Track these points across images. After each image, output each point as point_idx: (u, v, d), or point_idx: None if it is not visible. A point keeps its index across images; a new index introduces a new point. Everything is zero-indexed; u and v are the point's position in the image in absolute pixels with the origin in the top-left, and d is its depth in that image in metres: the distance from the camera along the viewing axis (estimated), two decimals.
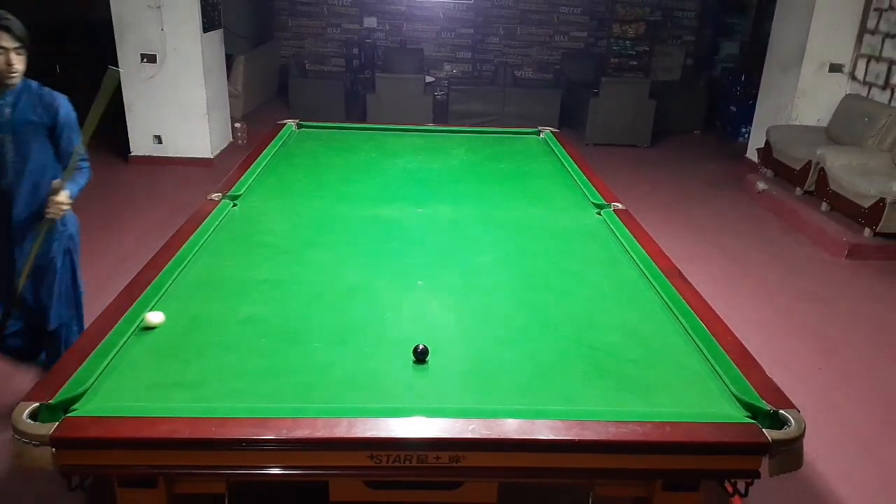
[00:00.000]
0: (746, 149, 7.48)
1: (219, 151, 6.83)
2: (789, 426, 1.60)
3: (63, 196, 2.49)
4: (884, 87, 5.97)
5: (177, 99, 6.38)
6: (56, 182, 2.49)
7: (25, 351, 2.85)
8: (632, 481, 1.74)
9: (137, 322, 1.96)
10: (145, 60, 6.23)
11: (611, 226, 2.85)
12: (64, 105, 2.60)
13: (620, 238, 2.71)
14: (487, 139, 4.38)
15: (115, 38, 6.17)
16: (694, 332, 2.02)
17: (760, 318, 4.05)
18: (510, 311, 2.18)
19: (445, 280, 2.38)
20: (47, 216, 2.50)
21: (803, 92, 6.47)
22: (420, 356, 1.84)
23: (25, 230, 2.61)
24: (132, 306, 2.02)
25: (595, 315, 2.18)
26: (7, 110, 2.50)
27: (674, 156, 7.79)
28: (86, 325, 1.93)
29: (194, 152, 6.60)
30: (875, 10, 6.11)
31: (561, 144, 4.05)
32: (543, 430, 1.56)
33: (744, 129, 8.03)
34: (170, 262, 2.31)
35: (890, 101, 5.87)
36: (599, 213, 3.01)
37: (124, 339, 1.88)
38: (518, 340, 2.00)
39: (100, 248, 4.62)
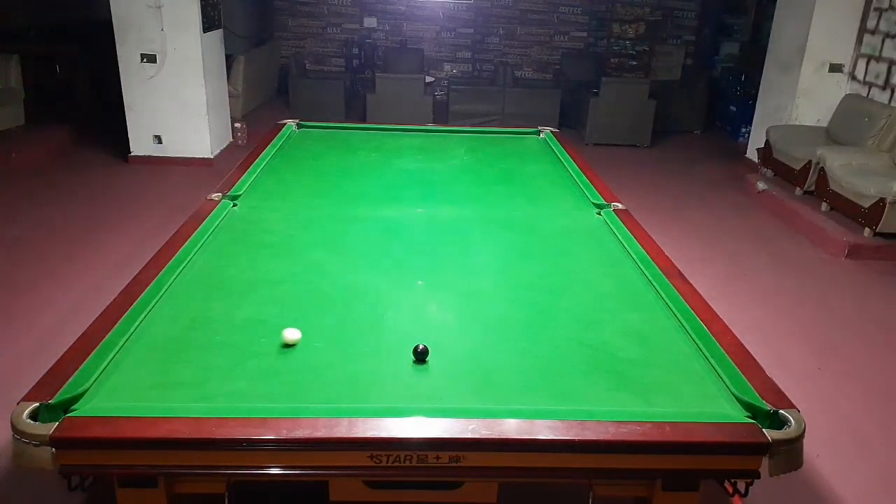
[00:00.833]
0: (746, 149, 7.48)
1: (219, 151, 6.83)
2: (789, 426, 1.60)
3: None
4: (884, 87, 5.97)
5: (177, 99, 6.38)
6: None
7: None
8: (631, 481, 1.74)
9: (138, 322, 1.96)
10: (145, 60, 6.23)
11: (611, 226, 2.85)
12: None
13: (620, 238, 2.71)
14: (487, 139, 4.38)
15: (115, 38, 6.17)
16: (694, 332, 2.02)
17: (760, 318, 4.05)
18: (510, 311, 2.18)
19: (445, 280, 2.38)
20: None
21: (803, 92, 6.47)
22: (420, 356, 1.84)
23: None
24: (132, 306, 2.02)
25: (595, 315, 2.18)
26: None
27: (674, 156, 7.79)
28: (85, 327, 1.93)
29: (194, 152, 6.60)
30: (875, 10, 6.11)
31: (561, 144, 4.05)
32: (543, 430, 1.56)
33: (744, 129, 8.03)
34: (170, 262, 2.31)
35: (890, 101, 5.87)
36: (599, 213, 3.01)
37: (124, 338, 1.88)
38: (518, 340, 2.00)
39: (100, 247, 4.62)
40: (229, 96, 7.27)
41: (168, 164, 6.53)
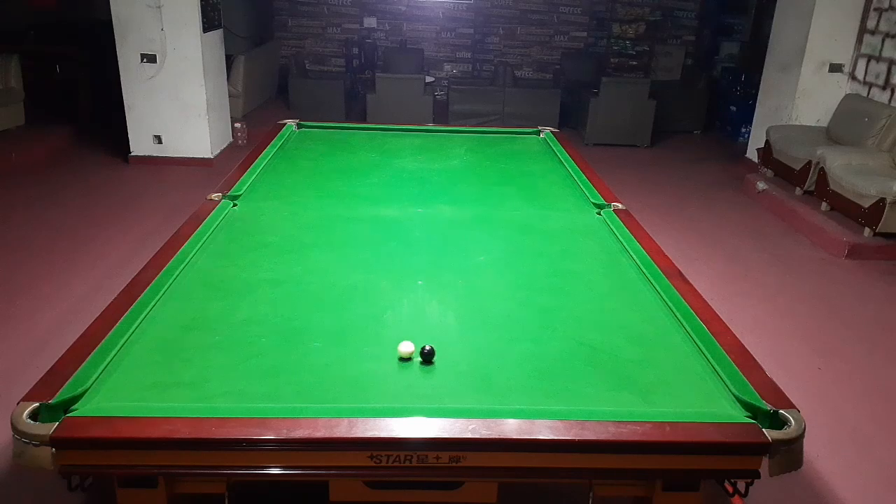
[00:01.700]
0: (746, 149, 7.47)
1: (219, 151, 6.83)
2: (789, 426, 1.59)
3: None
4: (884, 87, 5.97)
5: (177, 99, 6.39)
6: None
7: None
8: (632, 481, 1.74)
9: (138, 322, 1.96)
10: (145, 60, 6.23)
11: (611, 226, 2.86)
12: None
13: (620, 238, 2.71)
14: (487, 139, 4.38)
15: (115, 38, 6.17)
16: (694, 332, 2.02)
17: (760, 318, 4.05)
18: (510, 311, 2.18)
19: (445, 280, 2.38)
20: None
21: (803, 92, 6.47)
22: (427, 357, 1.84)
23: None
24: (132, 306, 2.02)
25: (595, 315, 2.17)
26: None
27: (674, 156, 7.79)
28: (85, 327, 1.94)
29: (194, 152, 6.60)
30: (875, 10, 6.11)
31: (561, 144, 4.05)
32: (543, 430, 1.56)
33: (744, 129, 8.03)
34: (170, 262, 2.31)
35: (890, 101, 5.87)
36: (599, 213, 3.01)
37: (124, 339, 1.88)
38: (518, 340, 2.00)
39: (100, 247, 4.62)
40: (229, 96, 7.27)
41: (168, 164, 6.53)
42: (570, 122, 8.44)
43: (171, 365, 1.81)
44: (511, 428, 1.57)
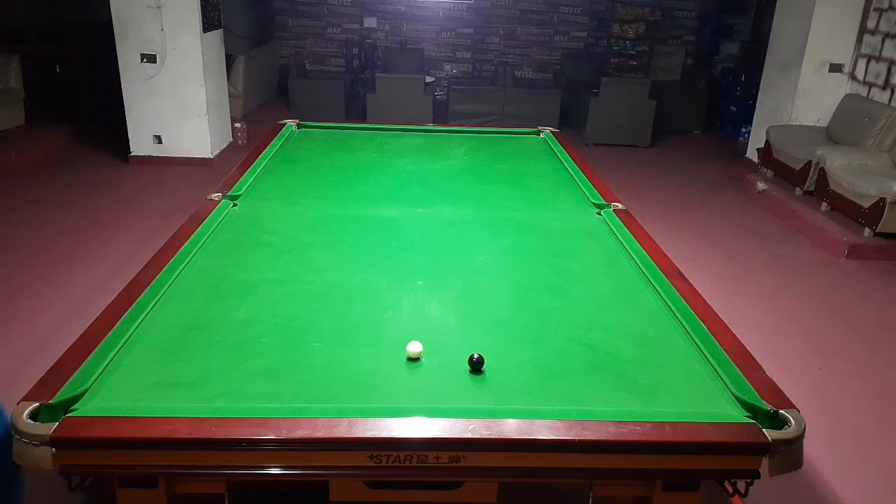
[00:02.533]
0: (746, 149, 7.48)
1: (219, 151, 6.83)
2: (789, 426, 1.60)
3: None
4: (884, 87, 5.97)
5: (177, 99, 6.39)
6: None
7: None
8: (632, 481, 1.74)
9: (138, 322, 1.96)
10: (145, 60, 6.23)
11: (611, 226, 2.85)
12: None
13: (620, 238, 2.71)
14: (487, 139, 4.38)
15: (115, 38, 6.17)
16: (694, 332, 2.02)
17: (760, 318, 4.05)
18: (510, 311, 2.18)
19: (445, 280, 2.38)
20: None
21: (803, 92, 6.47)
22: (476, 366, 1.79)
23: None
24: (132, 306, 2.02)
25: (595, 315, 2.18)
26: None
27: (674, 156, 7.79)
28: (85, 327, 1.93)
29: (194, 152, 6.60)
30: (875, 10, 6.10)
31: (561, 144, 4.05)
32: (543, 430, 1.56)
33: (744, 129, 8.03)
34: (170, 262, 2.31)
35: (890, 101, 5.87)
36: (599, 213, 3.01)
37: (124, 338, 1.88)
38: (518, 340, 2.00)
39: (100, 247, 4.62)
40: (229, 96, 7.27)
41: (168, 164, 6.53)
42: (570, 122, 8.44)
43: (171, 365, 1.81)
44: (511, 428, 1.57)
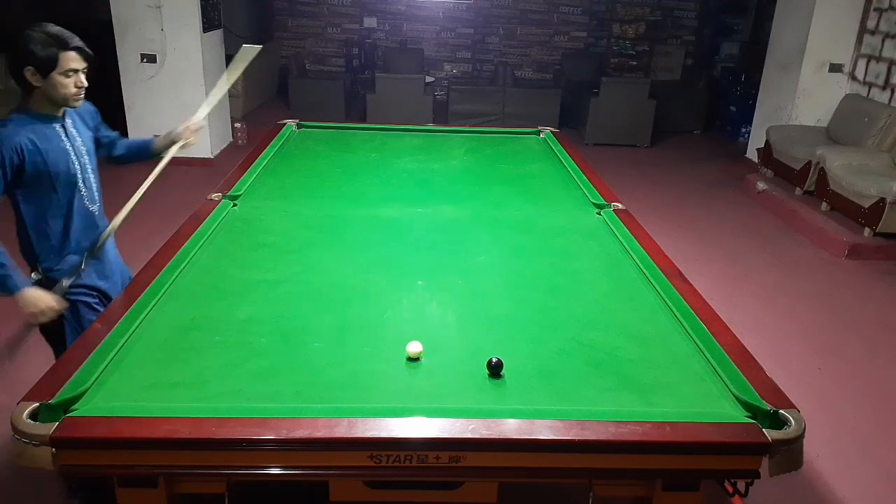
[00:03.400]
0: (746, 149, 7.48)
1: (219, 151, 6.83)
2: (789, 426, 1.60)
3: (199, 120, 2.85)
4: (884, 87, 5.97)
5: (177, 99, 6.38)
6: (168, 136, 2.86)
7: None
8: (632, 481, 1.74)
9: (138, 322, 1.96)
10: (145, 60, 6.23)
11: (611, 226, 2.85)
12: (90, 104, 2.46)
13: (620, 238, 2.71)
14: (487, 139, 4.38)
15: (115, 38, 6.17)
16: (694, 332, 2.02)
17: (760, 318, 4.05)
18: (510, 311, 2.18)
19: (445, 280, 2.38)
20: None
21: (803, 92, 6.47)
22: (494, 370, 1.78)
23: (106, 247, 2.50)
24: (132, 306, 2.02)
25: (595, 315, 2.17)
26: (78, 139, 2.32)
27: (674, 156, 7.80)
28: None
29: (194, 152, 6.57)
30: (875, 10, 6.11)
31: (561, 144, 4.05)
32: (543, 430, 1.56)
33: (744, 129, 8.03)
34: (170, 262, 2.31)
35: (890, 101, 5.87)
36: (599, 213, 3.01)
37: (124, 339, 1.87)
38: (518, 340, 2.00)
39: None
40: (229, 96, 7.26)
41: (168, 164, 6.52)
42: (570, 122, 8.44)
43: (171, 365, 1.81)
44: (511, 428, 1.57)
